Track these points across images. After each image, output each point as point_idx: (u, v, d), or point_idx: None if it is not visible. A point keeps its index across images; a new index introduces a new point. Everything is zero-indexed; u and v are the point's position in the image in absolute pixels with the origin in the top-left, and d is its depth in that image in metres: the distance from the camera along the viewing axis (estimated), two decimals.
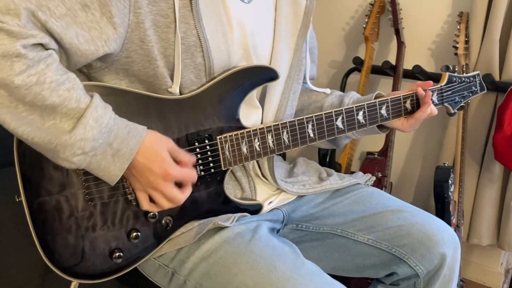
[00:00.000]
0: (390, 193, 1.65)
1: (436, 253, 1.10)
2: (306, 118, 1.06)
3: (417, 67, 1.87)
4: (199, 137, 0.97)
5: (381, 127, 1.22)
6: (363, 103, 1.13)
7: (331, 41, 2.20)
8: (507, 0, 1.71)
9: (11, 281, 1.18)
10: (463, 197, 1.87)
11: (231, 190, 1.07)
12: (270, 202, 1.13)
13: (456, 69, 1.29)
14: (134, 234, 0.95)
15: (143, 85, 0.94)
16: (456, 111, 1.28)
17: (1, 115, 0.78)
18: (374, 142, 2.05)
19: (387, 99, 1.15)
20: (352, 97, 1.21)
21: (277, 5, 1.10)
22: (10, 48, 0.75)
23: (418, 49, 2.00)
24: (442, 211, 1.70)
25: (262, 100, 1.09)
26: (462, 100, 1.28)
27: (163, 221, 0.97)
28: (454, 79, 1.26)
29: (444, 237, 1.11)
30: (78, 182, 0.90)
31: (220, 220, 0.96)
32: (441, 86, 1.23)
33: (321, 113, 1.07)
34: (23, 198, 0.88)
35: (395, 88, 1.91)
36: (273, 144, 1.04)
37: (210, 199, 1.01)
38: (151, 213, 0.95)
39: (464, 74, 1.29)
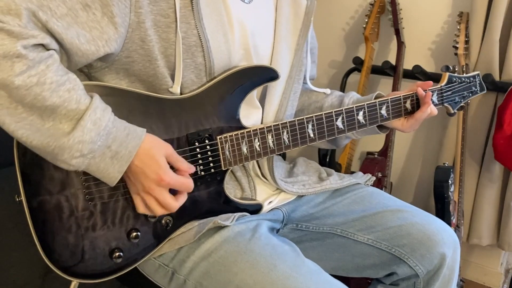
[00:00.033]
0: (390, 193, 1.65)
1: (436, 253, 1.10)
2: (306, 118, 1.06)
3: (417, 67, 1.87)
4: (199, 137, 0.97)
5: (381, 127, 1.22)
6: (363, 103, 1.13)
7: (331, 41, 2.21)
8: (507, 0, 1.71)
9: (11, 281, 1.18)
10: (463, 197, 1.87)
11: (231, 190, 1.07)
12: (270, 202, 1.13)
13: (456, 69, 1.29)
14: (134, 234, 0.95)
15: (144, 84, 0.94)
16: (456, 111, 1.28)
17: (1, 116, 0.78)
18: (374, 142, 2.05)
19: (387, 99, 1.15)
20: (352, 97, 1.21)
21: (278, 5, 1.10)
22: (10, 48, 0.75)
23: (418, 49, 2.00)
24: (442, 211, 1.70)
25: (262, 100, 1.09)
26: (462, 100, 1.28)
27: (163, 221, 0.97)
28: (454, 79, 1.26)
29: (444, 237, 1.11)
30: (78, 182, 0.90)
31: (220, 219, 0.96)
32: (441, 86, 1.23)
33: (321, 113, 1.07)
34: (23, 197, 0.88)
35: (395, 88, 1.91)
36: (273, 144, 1.04)
37: (210, 199, 1.01)
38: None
39: (464, 74, 1.29)
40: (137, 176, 0.87)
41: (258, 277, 0.89)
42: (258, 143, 1.02)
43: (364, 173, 1.28)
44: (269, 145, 1.03)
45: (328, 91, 1.27)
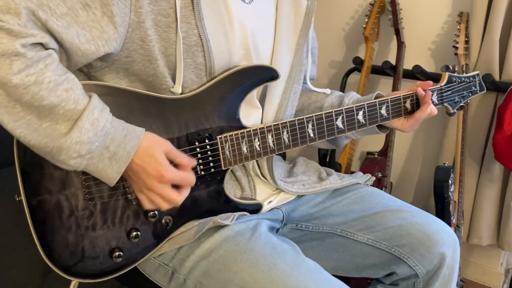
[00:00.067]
0: (390, 193, 1.65)
1: (436, 253, 1.10)
2: (306, 118, 1.06)
3: (417, 67, 1.87)
4: (200, 136, 0.97)
5: (381, 127, 1.22)
6: (363, 103, 1.13)
7: (331, 41, 2.21)
8: (507, 0, 1.71)
9: (11, 281, 1.18)
10: (463, 197, 1.87)
11: (231, 189, 1.07)
12: (270, 202, 1.13)
13: (456, 69, 1.29)
14: (134, 233, 0.95)
15: (143, 84, 0.94)
16: (455, 111, 1.28)
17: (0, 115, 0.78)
18: (374, 142, 2.05)
19: (387, 99, 1.15)
20: (352, 97, 1.21)
21: (278, 5, 1.10)
22: (9, 47, 0.75)
23: (418, 49, 2.00)
24: (442, 211, 1.70)
25: (262, 100, 1.09)
26: (461, 100, 1.28)
27: (163, 221, 0.97)
28: (454, 79, 1.26)
29: (444, 237, 1.11)
30: (78, 181, 0.90)
31: (220, 218, 0.96)
32: (441, 86, 1.23)
33: (321, 113, 1.07)
34: (23, 197, 0.88)
35: (395, 88, 1.91)
36: (273, 144, 1.04)
37: (210, 199, 1.01)
38: (151, 213, 0.95)
39: (464, 74, 1.29)
40: (139, 174, 0.87)
41: (258, 276, 0.89)
42: (258, 143, 1.02)
43: (364, 173, 1.28)
44: (269, 145, 1.03)
45: (328, 91, 1.27)
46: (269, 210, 1.12)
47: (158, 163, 0.86)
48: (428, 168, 2.11)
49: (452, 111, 1.27)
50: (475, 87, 1.31)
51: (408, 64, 1.93)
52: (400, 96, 1.17)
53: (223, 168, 1.00)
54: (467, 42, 1.77)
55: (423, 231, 1.10)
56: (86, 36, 0.83)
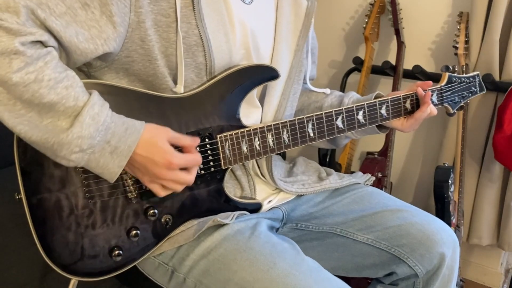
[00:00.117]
0: (390, 193, 1.65)
1: (435, 253, 1.10)
2: (306, 117, 1.06)
3: (417, 67, 1.87)
4: (200, 135, 0.97)
5: (380, 127, 1.22)
6: (363, 103, 1.13)
7: (331, 41, 2.21)
8: (507, 0, 1.71)
9: (11, 281, 1.18)
10: (463, 197, 1.87)
11: (231, 189, 1.07)
12: (270, 201, 1.13)
13: (456, 69, 1.29)
14: (134, 232, 0.95)
15: (143, 84, 0.94)
16: (455, 111, 1.28)
17: (0, 112, 0.78)
18: (374, 142, 2.05)
19: (387, 99, 1.15)
20: (351, 97, 1.21)
21: (278, 5, 1.10)
22: (8, 45, 0.76)
23: (418, 49, 2.00)
24: (442, 211, 1.70)
25: (262, 99, 1.09)
26: (461, 100, 1.28)
27: (162, 220, 0.97)
28: (454, 79, 1.26)
29: (444, 237, 1.11)
30: (78, 180, 0.90)
31: (220, 217, 0.96)
32: (441, 87, 1.23)
33: (321, 112, 1.07)
34: (23, 195, 0.88)
35: (395, 88, 1.91)
36: (273, 144, 1.04)
37: (209, 198, 1.01)
38: (151, 211, 0.95)
39: (464, 75, 1.29)
40: (147, 166, 0.87)
41: (258, 275, 0.89)
42: (258, 142, 1.02)
43: (364, 173, 1.28)
44: (269, 144, 1.03)
45: (327, 91, 1.27)
46: (269, 210, 1.12)
47: (164, 151, 0.87)
48: (428, 168, 2.11)
49: (452, 112, 1.27)
50: (475, 88, 1.31)
51: (408, 64, 1.93)
52: (400, 96, 1.17)
53: (223, 167, 1.00)
54: (467, 42, 1.77)
55: (423, 231, 1.10)
56: (85, 35, 0.84)
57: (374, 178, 1.28)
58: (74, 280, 0.98)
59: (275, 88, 1.09)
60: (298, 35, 1.12)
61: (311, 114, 1.06)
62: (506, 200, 1.86)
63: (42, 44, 0.81)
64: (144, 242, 0.97)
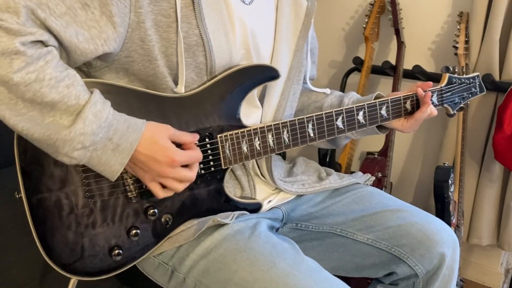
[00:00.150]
0: (390, 193, 1.65)
1: (435, 253, 1.10)
2: (306, 117, 1.06)
3: (417, 67, 1.87)
4: (200, 135, 0.97)
5: (380, 128, 1.22)
6: (363, 103, 1.13)
7: (331, 41, 2.21)
8: (507, 0, 1.71)
9: (11, 281, 1.18)
10: (463, 197, 1.87)
11: (231, 188, 1.07)
12: (270, 201, 1.13)
13: (456, 70, 1.29)
14: (134, 231, 0.95)
15: (143, 84, 0.95)
16: (455, 112, 1.28)
17: (1, 111, 0.78)
18: (374, 142, 2.05)
19: (387, 99, 1.16)
20: (352, 98, 1.21)
21: (278, 5, 1.10)
22: (8, 45, 0.76)
23: (418, 49, 2.00)
24: (442, 211, 1.70)
25: (262, 99, 1.09)
26: (461, 101, 1.29)
27: (162, 219, 0.97)
28: (454, 80, 1.26)
29: (444, 237, 1.11)
30: (78, 179, 0.90)
31: (220, 217, 0.96)
32: (441, 87, 1.23)
33: (321, 112, 1.07)
34: (23, 194, 0.88)
35: (395, 88, 1.91)
36: (273, 143, 1.04)
37: (209, 198, 1.01)
38: (151, 211, 0.95)
39: (464, 75, 1.29)
40: (149, 164, 0.87)
41: (258, 275, 0.89)
42: (258, 142, 1.02)
43: (364, 173, 1.28)
44: (269, 144, 1.03)
45: (327, 91, 1.27)
46: (269, 210, 1.12)
47: (165, 149, 0.87)
48: (428, 168, 2.11)
49: (452, 112, 1.28)
50: (475, 88, 1.31)
51: (408, 64, 1.93)
52: (400, 96, 1.17)
53: (223, 167, 1.00)
54: (467, 42, 1.77)
55: (423, 231, 1.11)
56: (85, 35, 0.84)
57: (374, 178, 1.28)
58: (74, 280, 0.98)
59: (275, 88, 1.09)
60: (298, 35, 1.12)
61: (311, 114, 1.06)
62: (506, 200, 1.86)
63: (43, 43, 0.81)
64: (144, 242, 0.97)
